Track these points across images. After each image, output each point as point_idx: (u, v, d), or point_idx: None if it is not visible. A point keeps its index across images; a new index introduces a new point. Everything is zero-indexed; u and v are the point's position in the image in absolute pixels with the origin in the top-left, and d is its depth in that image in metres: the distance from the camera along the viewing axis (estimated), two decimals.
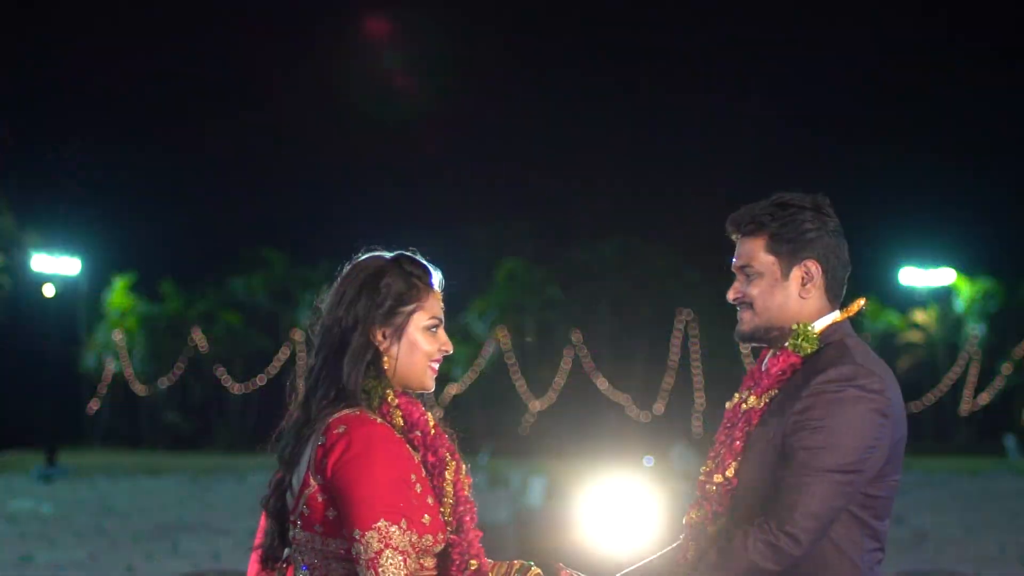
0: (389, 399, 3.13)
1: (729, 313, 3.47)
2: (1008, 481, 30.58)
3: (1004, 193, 60.53)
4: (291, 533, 3.13)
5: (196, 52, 63.58)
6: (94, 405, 56.87)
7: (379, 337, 3.15)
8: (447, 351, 3.23)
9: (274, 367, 55.46)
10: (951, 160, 61.42)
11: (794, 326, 3.31)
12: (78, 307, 55.49)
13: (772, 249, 3.33)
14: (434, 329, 3.20)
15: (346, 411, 3.07)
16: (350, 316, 3.14)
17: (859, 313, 3.38)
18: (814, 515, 3.10)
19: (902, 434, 3.26)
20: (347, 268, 3.23)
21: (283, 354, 55.57)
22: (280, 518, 3.17)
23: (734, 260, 3.39)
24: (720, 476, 3.27)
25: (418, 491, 3.03)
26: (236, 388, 56.43)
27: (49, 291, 45.50)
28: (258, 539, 3.24)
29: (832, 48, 66.43)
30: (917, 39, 64.59)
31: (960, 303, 56.68)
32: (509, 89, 65.67)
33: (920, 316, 57.10)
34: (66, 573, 13.76)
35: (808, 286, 3.32)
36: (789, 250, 3.32)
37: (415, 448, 3.11)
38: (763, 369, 3.37)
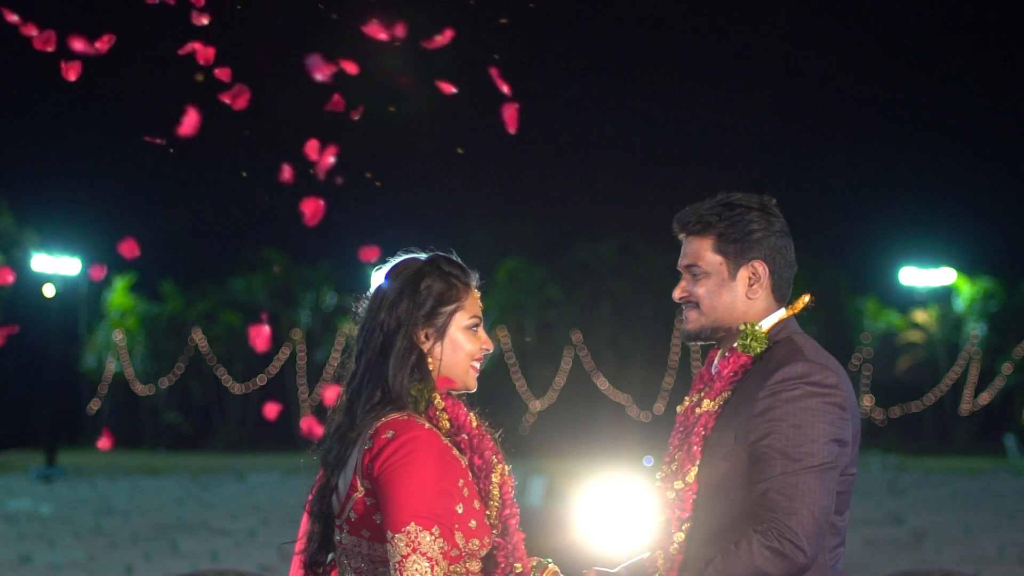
0: (436, 402, 3.12)
1: None
2: (1008, 481, 30.55)
3: (1004, 193, 60.56)
4: (337, 537, 3.11)
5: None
6: (94, 405, 56.85)
7: (422, 338, 3.13)
8: (488, 349, 3.21)
9: (274, 367, 55.46)
10: (951, 160, 61.45)
11: (741, 326, 3.30)
12: (78, 307, 55.47)
13: (719, 249, 3.33)
14: (475, 328, 3.20)
15: (394, 415, 3.05)
16: (392, 319, 3.12)
17: (805, 309, 3.38)
18: (811, 519, 3.09)
19: (858, 426, 3.27)
20: (383, 271, 3.21)
21: (283, 354, 55.56)
22: (325, 521, 3.15)
23: (680, 259, 3.38)
24: (680, 482, 3.25)
25: (466, 495, 3.01)
26: (236, 388, 56.42)
27: (49, 291, 45.43)
28: (300, 543, 3.21)
29: (832, 48, 66.45)
30: (917, 39, 64.59)
31: (960, 303, 56.63)
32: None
33: (920, 316, 57.05)
34: (65, 573, 13.72)
35: (755, 286, 3.32)
36: (736, 250, 3.32)
37: (461, 451, 3.09)
38: (713, 371, 3.35)
